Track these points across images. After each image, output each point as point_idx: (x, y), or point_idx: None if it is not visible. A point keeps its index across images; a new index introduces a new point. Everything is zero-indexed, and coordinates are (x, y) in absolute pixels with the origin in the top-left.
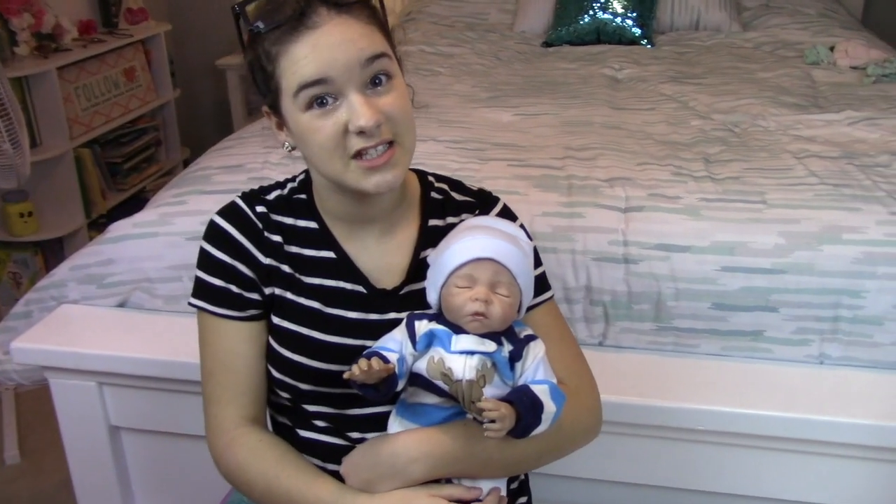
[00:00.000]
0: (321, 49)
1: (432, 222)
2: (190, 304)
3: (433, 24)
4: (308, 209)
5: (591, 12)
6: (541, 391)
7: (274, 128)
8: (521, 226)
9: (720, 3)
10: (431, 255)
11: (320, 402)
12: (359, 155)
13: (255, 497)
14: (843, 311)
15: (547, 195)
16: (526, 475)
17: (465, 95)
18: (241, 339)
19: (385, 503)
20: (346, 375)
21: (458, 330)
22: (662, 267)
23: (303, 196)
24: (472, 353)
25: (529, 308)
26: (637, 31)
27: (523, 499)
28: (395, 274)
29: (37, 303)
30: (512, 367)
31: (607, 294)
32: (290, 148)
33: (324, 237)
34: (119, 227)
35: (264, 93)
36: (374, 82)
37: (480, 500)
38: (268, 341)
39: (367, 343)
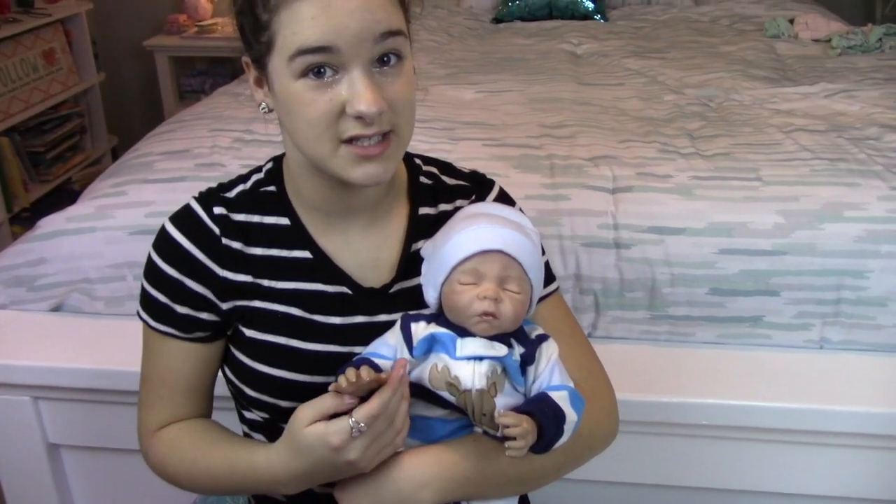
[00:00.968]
0: (333, 12)
1: (423, 210)
2: (137, 312)
3: None
4: (278, 203)
5: None
6: (560, 398)
7: (252, 83)
8: (521, 210)
9: None
10: (427, 247)
11: None
12: (350, 140)
13: (185, 487)
14: (845, 293)
15: (528, 176)
16: None
17: (421, 72)
18: (183, 359)
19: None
20: (331, 388)
21: (462, 332)
22: (656, 251)
23: (271, 188)
24: (480, 358)
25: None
26: (590, 5)
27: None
28: (383, 270)
29: None
30: (524, 372)
31: (598, 282)
32: (266, 109)
33: (297, 234)
34: (50, 222)
35: (250, 43)
36: (383, 60)
37: None
38: (234, 359)
39: (356, 350)
